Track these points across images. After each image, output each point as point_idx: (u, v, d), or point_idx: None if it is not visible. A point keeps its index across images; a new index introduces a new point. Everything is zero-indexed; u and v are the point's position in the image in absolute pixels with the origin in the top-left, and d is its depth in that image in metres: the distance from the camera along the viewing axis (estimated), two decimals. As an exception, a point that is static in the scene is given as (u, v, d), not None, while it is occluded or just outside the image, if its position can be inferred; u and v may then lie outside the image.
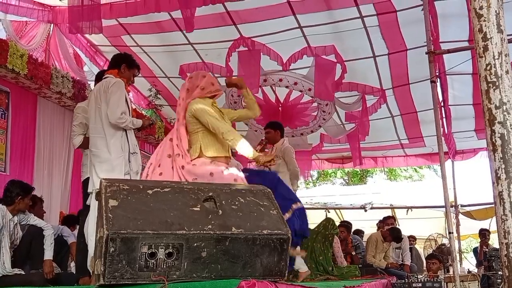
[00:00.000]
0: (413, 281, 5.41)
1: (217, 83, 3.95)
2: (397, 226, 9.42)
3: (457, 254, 6.71)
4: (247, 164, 7.52)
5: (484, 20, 1.61)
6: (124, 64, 4.47)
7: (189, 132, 3.69)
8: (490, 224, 11.27)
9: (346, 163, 11.85)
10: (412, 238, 10.19)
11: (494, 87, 1.58)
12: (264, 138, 6.00)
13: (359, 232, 10.25)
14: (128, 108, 4.33)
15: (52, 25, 7.20)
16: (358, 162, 9.70)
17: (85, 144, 4.53)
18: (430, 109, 6.38)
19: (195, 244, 2.10)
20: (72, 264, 5.62)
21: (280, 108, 8.22)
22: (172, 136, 3.74)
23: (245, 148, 3.58)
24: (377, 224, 9.72)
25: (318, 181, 23.70)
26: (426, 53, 5.47)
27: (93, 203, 3.92)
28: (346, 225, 8.55)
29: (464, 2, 6.00)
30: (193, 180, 3.39)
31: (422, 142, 10.17)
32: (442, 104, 7.62)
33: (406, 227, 10.57)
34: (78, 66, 7.64)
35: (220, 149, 3.66)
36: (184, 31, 6.74)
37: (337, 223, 9.12)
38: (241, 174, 3.58)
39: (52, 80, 6.48)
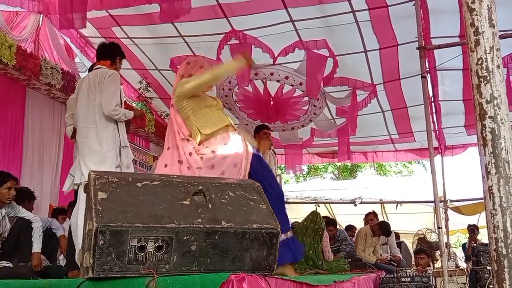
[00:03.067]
0: (401, 275, 5.43)
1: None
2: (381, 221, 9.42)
3: (446, 249, 6.74)
4: None
5: (476, 14, 1.61)
6: (119, 56, 4.44)
7: (183, 119, 3.61)
8: (479, 219, 11.38)
9: (336, 157, 11.85)
10: (396, 235, 10.18)
11: (485, 82, 1.58)
12: None
13: (351, 228, 10.26)
14: (121, 101, 4.30)
15: (42, 15, 7.12)
16: (346, 157, 9.73)
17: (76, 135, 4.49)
18: (420, 105, 6.40)
19: (185, 238, 2.09)
20: (61, 257, 5.59)
21: (271, 102, 8.22)
22: (168, 139, 3.66)
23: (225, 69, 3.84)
24: (364, 219, 9.76)
25: (308, 176, 23.78)
26: (417, 48, 5.48)
27: (81, 195, 3.88)
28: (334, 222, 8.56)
29: (455, -2, 6.02)
30: (197, 169, 3.36)
31: (412, 137, 10.21)
32: (432, 99, 7.64)
33: (395, 222, 10.61)
34: (69, 57, 7.57)
35: (216, 121, 3.57)
36: (175, 24, 6.71)
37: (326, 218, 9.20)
38: (241, 149, 3.43)
39: (41, 71, 6.40)
